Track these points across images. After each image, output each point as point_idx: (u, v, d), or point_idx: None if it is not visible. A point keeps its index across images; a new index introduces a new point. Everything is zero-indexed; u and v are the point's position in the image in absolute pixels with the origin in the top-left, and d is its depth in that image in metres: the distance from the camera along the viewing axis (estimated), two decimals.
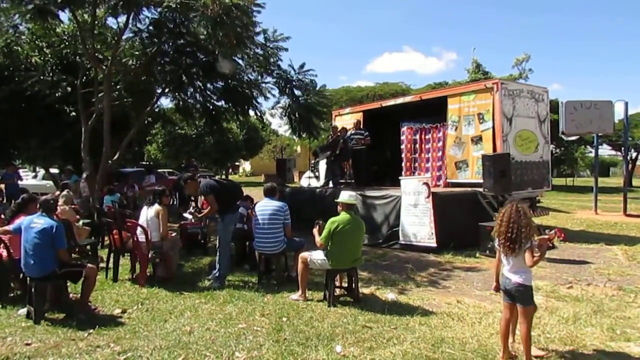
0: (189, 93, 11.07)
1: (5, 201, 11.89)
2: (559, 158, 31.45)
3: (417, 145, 11.09)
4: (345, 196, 5.18)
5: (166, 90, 10.81)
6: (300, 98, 10.63)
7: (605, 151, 36.46)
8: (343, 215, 5.06)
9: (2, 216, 5.99)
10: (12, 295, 5.26)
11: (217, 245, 5.99)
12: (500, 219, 3.51)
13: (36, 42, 10.47)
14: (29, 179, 19.41)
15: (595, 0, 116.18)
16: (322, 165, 12.03)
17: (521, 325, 3.43)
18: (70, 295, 5.06)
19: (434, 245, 7.77)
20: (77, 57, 10.69)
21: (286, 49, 10.04)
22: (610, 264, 7.07)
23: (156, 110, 12.62)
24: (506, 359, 3.50)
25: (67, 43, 10.75)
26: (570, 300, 5.13)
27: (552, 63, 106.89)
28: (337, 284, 5.36)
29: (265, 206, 5.91)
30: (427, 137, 10.94)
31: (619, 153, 34.58)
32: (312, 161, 12.37)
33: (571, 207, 16.95)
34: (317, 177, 12.50)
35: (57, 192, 8.74)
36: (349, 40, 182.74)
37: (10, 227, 4.92)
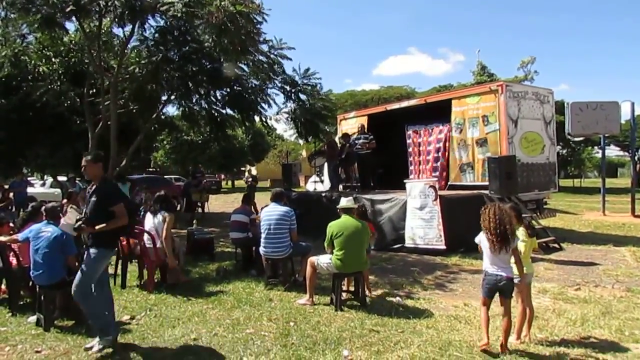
0: (194, 100, 11.16)
1: (14, 209, 12.03)
2: (566, 159, 31.27)
3: (422, 148, 11.08)
4: (343, 202, 5.31)
5: (172, 97, 10.90)
6: (305, 103, 10.70)
7: (613, 152, 36.29)
8: (341, 219, 5.15)
9: (11, 224, 6.06)
10: (21, 303, 5.29)
11: (74, 290, 3.85)
12: (491, 218, 3.67)
13: (43, 51, 10.57)
14: (37, 186, 19.62)
15: (603, 0, 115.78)
16: (325, 169, 12.05)
17: (505, 317, 3.70)
18: None
19: (443, 247, 7.74)
20: (84, 66, 10.80)
21: (290, 59, 10.19)
22: (619, 265, 7.02)
23: (162, 117, 12.72)
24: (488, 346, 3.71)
25: (74, 52, 10.87)
26: (578, 302, 5.11)
27: (559, 64, 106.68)
28: (344, 288, 5.38)
29: (272, 211, 5.95)
30: (429, 139, 10.92)
31: (626, 153, 34.36)
32: (312, 166, 12.37)
33: (579, 208, 16.84)
34: (323, 181, 12.52)
35: (64, 201, 8.82)
36: (355, 43, 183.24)
37: (19, 236, 4.98)
